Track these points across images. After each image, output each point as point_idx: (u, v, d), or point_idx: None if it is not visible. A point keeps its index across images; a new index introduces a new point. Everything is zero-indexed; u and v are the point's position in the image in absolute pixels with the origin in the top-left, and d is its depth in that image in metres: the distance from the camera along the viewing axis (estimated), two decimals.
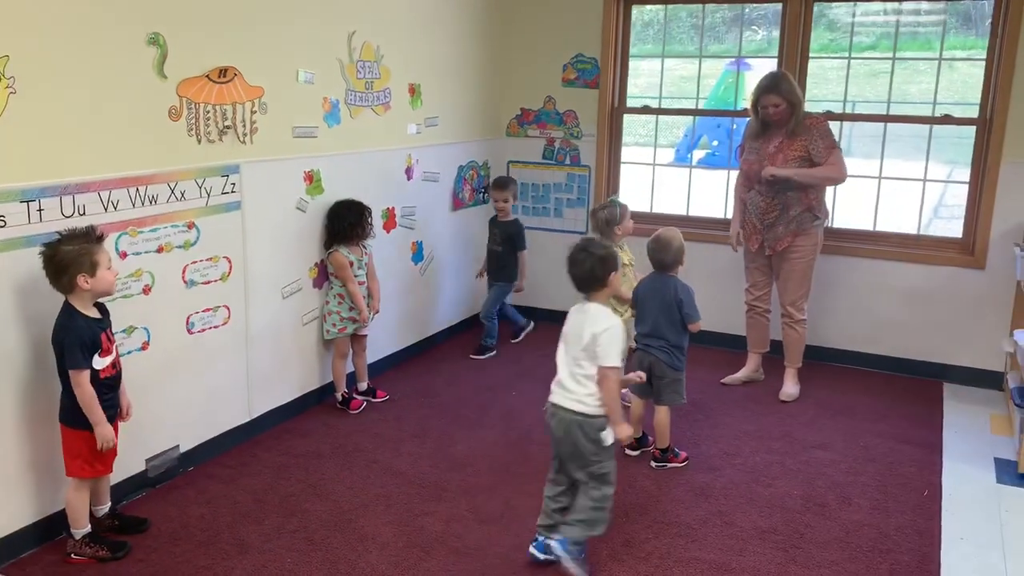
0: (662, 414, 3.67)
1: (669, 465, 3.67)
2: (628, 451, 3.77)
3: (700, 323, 3.65)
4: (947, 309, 4.73)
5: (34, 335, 2.84)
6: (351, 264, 4.08)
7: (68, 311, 2.75)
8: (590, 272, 2.87)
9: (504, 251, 5.09)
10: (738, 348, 4.85)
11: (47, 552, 2.94)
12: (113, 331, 2.91)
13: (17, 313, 2.80)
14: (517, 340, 5.33)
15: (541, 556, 2.89)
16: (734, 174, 4.69)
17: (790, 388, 4.51)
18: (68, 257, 2.69)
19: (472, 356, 5.06)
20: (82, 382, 2.73)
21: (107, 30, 2.97)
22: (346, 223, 4.08)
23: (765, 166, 4.28)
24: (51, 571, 2.83)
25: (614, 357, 2.76)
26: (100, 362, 2.79)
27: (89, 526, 2.91)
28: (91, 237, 2.74)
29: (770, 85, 4.24)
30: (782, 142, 4.29)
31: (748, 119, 4.59)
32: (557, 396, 2.87)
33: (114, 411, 2.90)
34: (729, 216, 4.85)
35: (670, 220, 5.16)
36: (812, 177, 4.24)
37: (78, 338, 2.71)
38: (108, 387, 2.84)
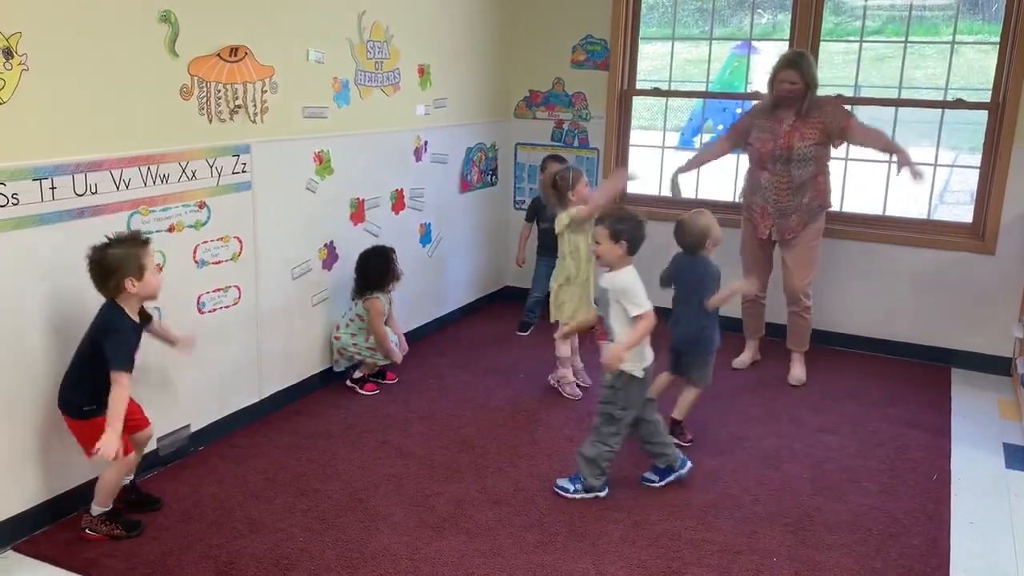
0: (692, 392, 3.71)
1: (674, 440, 3.66)
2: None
3: (714, 302, 3.66)
4: (956, 294, 4.72)
5: (45, 315, 2.84)
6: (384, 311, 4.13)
7: (117, 310, 2.75)
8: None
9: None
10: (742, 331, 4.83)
11: (60, 530, 2.95)
12: None
13: (29, 292, 2.79)
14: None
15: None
16: (743, 158, 4.66)
17: (799, 372, 4.51)
18: (115, 260, 2.69)
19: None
20: (126, 383, 2.71)
21: (119, 7, 2.95)
22: (377, 272, 4.11)
23: (779, 143, 4.29)
24: (64, 548, 2.84)
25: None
26: None
27: (111, 505, 2.92)
28: (138, 240, 2.76)
29: (791, 60, 4.25)
30: (795, 121, 4.28)
31: (755, 103, 4.56)
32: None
33: None
34: (739, 200, 4.80)
35: (679, 203, 5.13)
36: (893, 145, 4.31)
37: (128, 341, 2.73)
38: None
